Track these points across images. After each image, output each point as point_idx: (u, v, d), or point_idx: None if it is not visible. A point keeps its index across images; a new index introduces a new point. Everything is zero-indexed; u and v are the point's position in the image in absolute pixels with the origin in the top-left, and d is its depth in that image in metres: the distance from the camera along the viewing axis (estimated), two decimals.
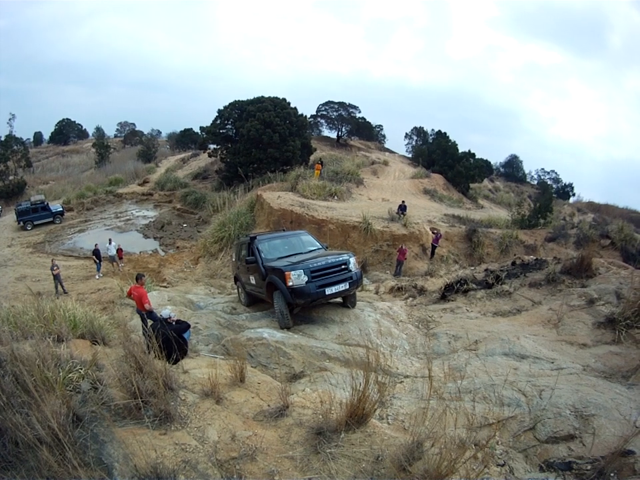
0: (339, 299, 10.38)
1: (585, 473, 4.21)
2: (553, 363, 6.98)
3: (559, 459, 4.50)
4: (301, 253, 10.74)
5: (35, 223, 32.23)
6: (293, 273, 9.05)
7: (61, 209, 34.46)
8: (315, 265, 9.35)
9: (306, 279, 9.05)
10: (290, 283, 8.99)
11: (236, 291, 13.88)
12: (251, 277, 11.39)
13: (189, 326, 8.43)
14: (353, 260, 9.96)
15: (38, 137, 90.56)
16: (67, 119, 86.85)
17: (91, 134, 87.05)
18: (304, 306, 9.48)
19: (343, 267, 9.65)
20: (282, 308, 9.26)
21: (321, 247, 11.52)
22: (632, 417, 4.75)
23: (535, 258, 13.21)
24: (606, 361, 7.00)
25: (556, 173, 64.45)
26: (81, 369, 5.07)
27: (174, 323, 8.04)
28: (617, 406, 5.12)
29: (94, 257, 20.83)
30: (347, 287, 9.51)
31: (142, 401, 4.57)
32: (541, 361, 7.06)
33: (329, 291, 9.20)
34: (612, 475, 4.07)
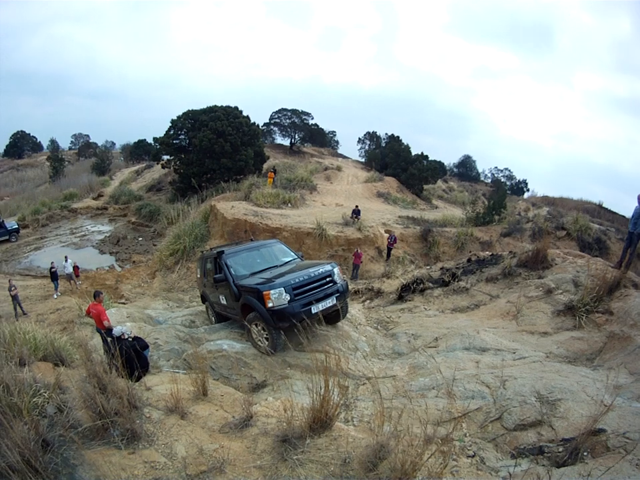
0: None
1: (558, 455, 4.26)
2: (514, 353, 7.06)
3: (530, 444, 4.57)
4: (276, 266, 9.77)
5: None
6: (272, 292, 7.89)
7: (17, 226, 33.38)
8: (297, 280, 8.26)
9: (288, 297, 7.93)
10: (270, 304, 7.84)
11: (194, 303, 13.59)
12: (220, 297, 10.10)
13: (147, 346, 8.19)
14: (337, 270, 9.02)
15: None
16: (22, 131, 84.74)
17: (45, 146, 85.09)
18: (287, 329, 7.99)
19: (327, 279, 8.68)
20: (260, 335, 8.34)
21: (296, 256, 10.58)
22: (599, 396, 4.79)
23: (490, 253, 13.38)
24: (568, 346, 7.14)
25: (509, 170, 65.69)
26: (45, 392, 4.92)
27: (131, 340, 7.81)
28: (583, 388, 5.23)
29: (51, 278, 20.16)
30: (334, 301, 8.47)
31: (108, 421, 4.49)
32: (503, 352, 7.14)
33: (315, 309, 8.07)
34: (585, 454, 4.13)
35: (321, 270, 8.71)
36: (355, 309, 11.19)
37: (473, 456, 4.52)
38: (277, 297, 7.88)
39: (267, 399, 6.42)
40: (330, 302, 8.41)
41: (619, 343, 6.83)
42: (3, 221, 32.73)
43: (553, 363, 6.43)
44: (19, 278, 22.89)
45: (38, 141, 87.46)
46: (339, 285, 8.82)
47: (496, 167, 67.08)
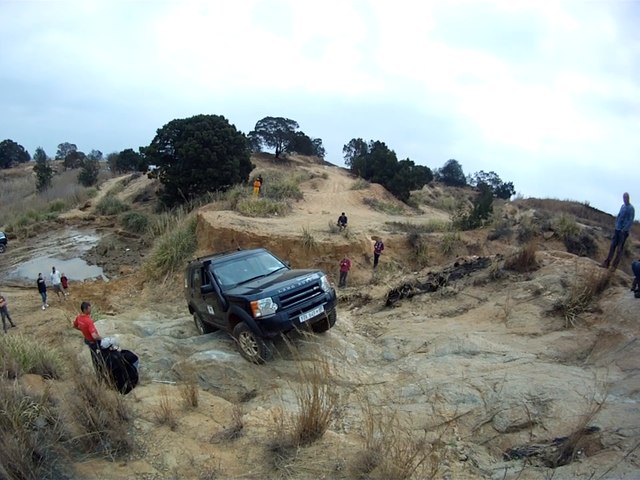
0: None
1: (551, 455, 4.25)
2: (504, 355, 7.07)
3: (522, 446, 4.56)
4: (263, 276, 9.75)
5: None
6: (260, 302, 7.90)
7: (4, 237, 33.34)
8: (284, 289, 8.24)
9: (275, 307, 7.93)
10: (258, 314, 7.85)
11: (182, 314, 13.49)
12: (208, 307, 10.08)
13: (136, 358, 8.12)
14: (324, 279, 9.02)
15: None
16: (9, 140, 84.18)
17: (32, 156, 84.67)
18: (275, 338, 8.00)
19: (314, 288, 8.68)
20: (249, 345, 8.28)
21: (283, 265, 10.59)
22: (591, 395, 4.80)
23: (478, 257, 13.41)
24: (559, 346, 7.17)
25: (495, 174, 66.18)
26: (35, 405, 4.87)
27: (118, 352, 7.74)
28: (575, 387, 5.25)
29: (39, 289, 19.98)
30: (322, 310, 8.43)
31: (99, 433, 4.45)
32: (492, 355, 7.14)
33: (302, 318, 8.04)
34: (579, 452, 4.13)
35: (308, 279, 8.71)
36: (343, 316, 11.16)
37: (466, 459, 4.50)
38: (265, 307, 7.87)
39: (256, 408, 6.35)
40: (317, 310, 8.39)
41: (609, 341, 6.87)
42: None
43: (544, 364, 6.44)
44: (6, 289, 22.67)
45: (25, 150, 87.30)
46: (326, 293, 8.81)
47: (482, 171, 67.35)
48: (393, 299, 11.87)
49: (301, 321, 7.98)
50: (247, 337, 8.26)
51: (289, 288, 8.31)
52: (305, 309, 8.24)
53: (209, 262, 10.09)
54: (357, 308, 12.76)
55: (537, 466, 4.19)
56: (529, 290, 9.43)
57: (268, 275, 9.86)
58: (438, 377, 6.56)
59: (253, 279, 9.59)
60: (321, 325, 9.08)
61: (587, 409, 4.34)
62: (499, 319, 8.92)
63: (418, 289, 11.84)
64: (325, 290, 8.85)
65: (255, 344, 8.12)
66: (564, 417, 4.68)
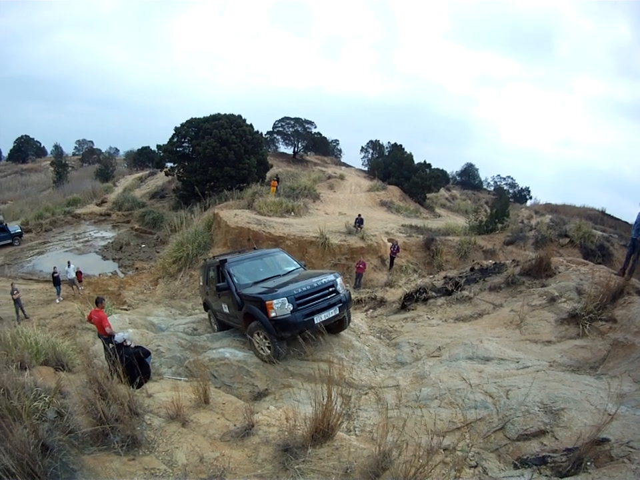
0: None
1: (561, 465, 4.21)
2: (518, 362, 7.02)
3: (532, 454, 4.51)
4: (279, 276, 9.71)
5: None
6: (275, 301, 7.87)
7: (20, 230, 33.49)
8: (300, 290, 8.22)
9: (291, 307, 7.91)
10: (273, 314, 7.83)
11: (197, 311, 13.54)
12: (223, 305, 10.04)
13: (149, 353, 8.17)
14: (339, 280, 8.99)
15: None
16: (26, 135, 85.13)
17: (49, 152, 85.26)
18: (289, 339, 8.18)
19: (330, 289, 8.63)
20: (262, 344, 8.27)
21: (299, 265, 10.53)
22: (603, 405, 4.77)
23: (493, 262, 13.30)
24: (572, 354, 7.10)
25: (512, 178, 65.73)
26: (46, 396, 4.90)
27: (131, 347, 7.80)
28: (587, 397, 5.20)
29: (53, 282, 20.17)
30: (337, 312, 8.46)
31: (109, 427, 4.49)
32: (506, 362, 7.09)
33: (317, 319, 8.06)
34: (589, 463, 4.09)
35: (323, 280, 8.69)
36: (358, 318, 11.13)
37: (476, 466, 4.46)
38: (280, 307, 7.87)
39: (268, 407, 6.32)
40: (333, 312, 8.38)
41: (623, 351, 6.78)
42: (6, 224, 32.90)
43: (557, 372, 6.38)
44: (21, 282, 22.90)
45: (42, 145, 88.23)
46: (341, 294, 8.78)
47: (498, 175, 66.96)
48: (408, 302, 11.83)
49: (316, 322, 8.01)
50: (261, 336, 8.26)
51: (304, 289, 8.29)
52: (320, 310, 8.22)
53: (225, 260, 10.08)
54: (371, 310, 12.73)
55: (546, 475, 4.16)
56: (544, 297, 9.36)
57: (284, 274, 9.83)
58: (451, 382, 6.53)
59: (269, 278, 9.56)
60: (336, 327, 9.08)
61: (599, 419, 4.31)
62: (514, 325, 8.86)
63: (433, 293, 11.77)
64: (341, 291, 8.82)
65: (268, 343, 8.12)
66: (575, 427, 4.64)
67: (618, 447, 4.17)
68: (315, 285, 8.48)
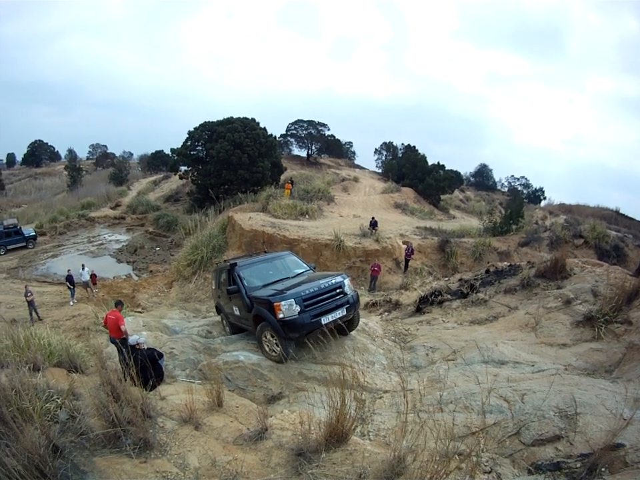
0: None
1: (575, 471, 4.16)
2: (533, 366, 6.97)
3: (547, 460, 4.47)
4: (288, 278, 9.86)
5: (8, 247, 31.46)
6: (283, 303, 8.03)
7: (34, 234, 33.69)
8: (307, 291, 8.38)
9: (298, 308, 8.07)
10: (280, 315, 7.98)
11: (211, 314, 13.59)
12: (234, 308, 10.22)
13: (162, 355, 8.23)
14: (347, 282, 9.12)
15: (11, 158, 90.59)
16: (40, 140, 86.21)
17: (63, 156, 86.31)
18: (298, 339, 8.38)
19: (337, 290, 8.78)
20: (271, 345, 8.42)
21: (308, 268, 10.64)
22: (618, 410, 4.72)
23: (508, 264, 13.22)
24: (587, 358, 7.04)
25: (526, 178, 64.88)
26: (58, 398, 4.95)
27: (145, 349, 7.87)
28: (602, 401, 5.14)
29: (67, 283, 20.37)
30: (344, 312, 8.58)
31: (121, 429, 4.49)
32: (521, 365, 7.05)
33: (324, 320, 8.19)
34: (603, 469, 4.03)
35: (331, 281, 8.83)
36: (373, 321, 11.13)
37: (490, 472, 4.42)
38: (288, 308, 8.03)
39: (282, 411, 6.37)
40: (340, 313, 8.50)
41: (638, 354, 6.71)
42: (20, 227, 33.05)
43: (572, 376, 6.33)
44: (35, 284, 23.15)
45: (56, 150, 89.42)
46: (349, 296, 8.91)
47: (512, 176, 66.26)
48: (423, 304, 11.79)
49: (323, 322, 8.15)
50: (269, 337, 8.41)
51: (312, 290, 8.45)
52: (328, 311, 8.38)
53: (235, 264, 10.25)
54: (386, 313, 12.70)
55: None
56: (560, 299, 9.28)
57: (293, 277, 9.96)
58: (466, 386, 6.50)
59: (278, 280, 9.72)
60: (344, 328, 9.04)
61: (614, 424, 4.27)
62: (529, 328, 8.80)
63: (448, 296, 11.73)
64: (348, 292, 8.95)
65: (277, 342, 8.26)
66: (590, 432, 4.60)
67: (633, 452, 4.12)
68: (323, 286, 8.62)
